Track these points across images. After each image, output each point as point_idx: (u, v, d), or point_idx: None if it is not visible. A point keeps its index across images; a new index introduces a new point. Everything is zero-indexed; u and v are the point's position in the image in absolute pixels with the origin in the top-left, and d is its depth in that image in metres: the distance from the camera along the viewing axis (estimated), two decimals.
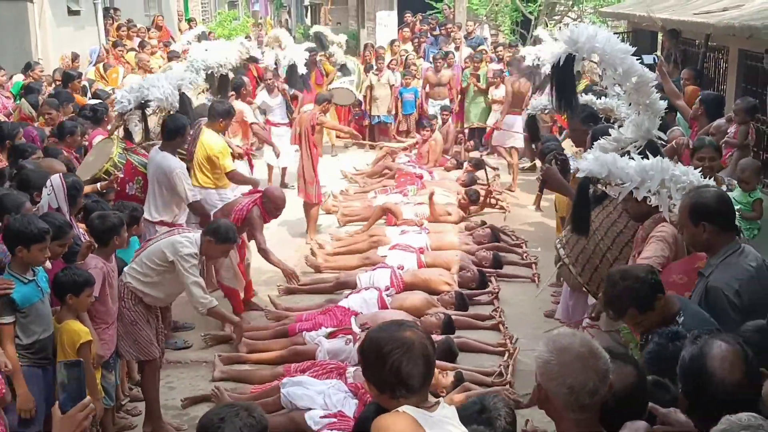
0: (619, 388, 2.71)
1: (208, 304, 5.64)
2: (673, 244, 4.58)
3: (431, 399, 2.64)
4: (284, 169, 12.12)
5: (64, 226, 4.85)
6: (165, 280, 5.53)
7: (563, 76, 5.50)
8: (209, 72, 8.52)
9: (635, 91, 5.40)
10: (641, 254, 4.63)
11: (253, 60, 9.94)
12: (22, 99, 9.08)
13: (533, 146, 9.69)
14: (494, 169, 12.30)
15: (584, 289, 5.61)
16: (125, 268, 5.52)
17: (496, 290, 7.90)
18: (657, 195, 4.70)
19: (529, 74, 10.08)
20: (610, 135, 5.75)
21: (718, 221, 3.90)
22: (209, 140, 7.64)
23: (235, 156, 8.46)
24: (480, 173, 11.45)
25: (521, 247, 9.27)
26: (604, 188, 5.09)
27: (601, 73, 6.00)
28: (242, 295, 7.44)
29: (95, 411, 2.56)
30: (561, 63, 5.43)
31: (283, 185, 11.67)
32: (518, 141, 12.30)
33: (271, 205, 7.21)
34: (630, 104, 5.66)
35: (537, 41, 13.13)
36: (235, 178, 7.86)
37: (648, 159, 4.92)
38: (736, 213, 4.68)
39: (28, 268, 4.56)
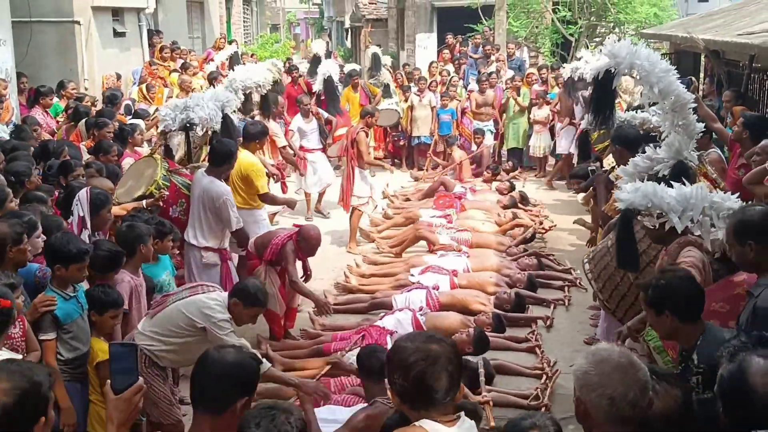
0: (665, 409, 2.68)
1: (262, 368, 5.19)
2: (703, 269, 4.50)
3: (452, 413, 2.61)
4: (321, 195, 11.99)
5: (84, 253, 4.69)
6: (189, 345, 4.94)
7: (602, 90, 5.47)
8: (248, 92, 8.61)
9: (671, 111, 5.34)
10: None
11: (276, 83, 9.83)
12: (83, 121, 9.32)
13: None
14: (535, 206, 12.20)
15: (603, 305, 5.54)
16: (138, 326, 5.09)
17: (547, 319, 7.71)
18: (698, 224, 4.62)
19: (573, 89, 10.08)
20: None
21: (765, 239, 3.80)
22: (246, 159, 7.64)
23: (270, 175, 8.50)
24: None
25: (570, 273, 8.98)
26: (644, 219, 4.96)
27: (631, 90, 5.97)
28: (283, 321, 7.38)
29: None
30: (600, 77, 5.40)
31: (318, 211, 11.71)
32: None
33: (305, 245, 7.15)
34: (666, 123, 5.61)
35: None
36: (268, 198, 7.84)
37: (680, 180, 4.86)
38: None
39: (68, 285, 4.64)
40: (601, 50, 6.33)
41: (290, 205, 8.19)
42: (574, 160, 12.76)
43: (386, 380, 2.78)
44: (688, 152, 5.57)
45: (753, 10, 12.09)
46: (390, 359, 2.67)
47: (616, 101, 7.90)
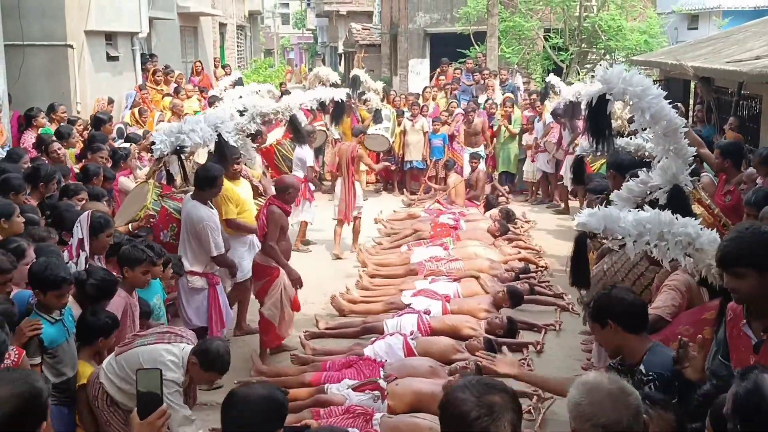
0: None
1: None
2: (686, 292, 4.51)
3: None
4: (304, 224, 11.54)
5: (61, 281, 4.56)
6: None
7: (597, 116, 5.50)
8: (266, 119, 8.68)
9: (663, 136, 5.38)
10: (652, 304, 4.57)
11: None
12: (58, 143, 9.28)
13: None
14: (527, 222, 12.24)
15: None
16: (104, 361, 4.89)
17: (537, 344, 7.69)
18: (656, 248, 4.65)
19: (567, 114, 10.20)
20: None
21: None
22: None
23: (259, 192, 8.46)
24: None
25: (563, 299, 8.98)
26: (604, 241, 5.04)
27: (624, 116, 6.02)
28: (288, 329, 7.39)
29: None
30: (594, 103, 5.44)
31: (305, 242, 11.53)
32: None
33: (284, 194, 7.15)
34: (659, 149, 5.64)
35: (550, 89, 13.41)
36: (233, 224, 7.62)
37: (677, 205, 4.88)
38: None
39: (53, 309, 4.60)
40: (593, 76, 6.40)
41: (252, 231, 7.78)
42: (566, 182, 12.92)
43: None
44: (684, 176, 5.60)
45: (741, 38, 12.23)
46: (447, 411, 2.44)
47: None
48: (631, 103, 5.47)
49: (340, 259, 10.92)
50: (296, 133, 9.66)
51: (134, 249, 5.43)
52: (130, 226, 6.76)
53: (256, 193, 8.38)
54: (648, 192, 5.47)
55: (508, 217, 11.61)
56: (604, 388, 2.55)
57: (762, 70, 8.17)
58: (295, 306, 7.46)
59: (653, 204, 5.30)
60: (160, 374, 2.65)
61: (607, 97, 5.42)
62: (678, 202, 5.28)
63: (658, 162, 5.59)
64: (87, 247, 5.41)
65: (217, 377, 4.93)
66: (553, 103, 12.97)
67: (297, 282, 7.22)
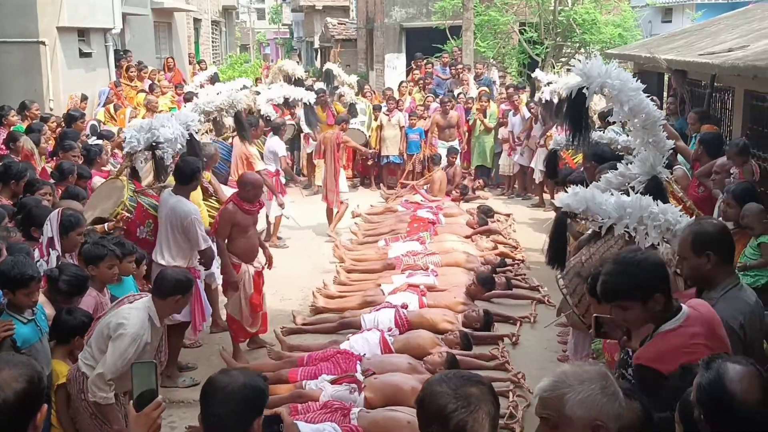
0: (627, 423, 2.67)
1: (105, 399, 4.70)
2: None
3: None
4: (278, 220, 11.42)
5: (28, 279, 4.48)
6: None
7: (575, 109, 5.52)
8: (216, 113, 8.58)
9: (642, 128, 5.42)
10: None
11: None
12: (24, 136, 9.16)
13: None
14: (507, 215, 12.26)
15: (579, 320, 5.58)
16: (79, 356, 4.88)
17: (513, 336, 7.72)
18: (635, 231, 4.73)
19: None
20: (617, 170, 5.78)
21: (721, 251, 3.81)
22: None
23: (209, 193, 8.42)
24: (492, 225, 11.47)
25: (539, 291, 9.06)
26: (584, 222, 5.15)
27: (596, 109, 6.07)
28: (248, 327, 7.39)
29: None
30: (573, 96, 5.46)
31: (272, 236, 11.31)
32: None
33: (243, 191, 7.11)
34: (637, 141, 5.69)
35: (535, 84, 13.38)
36: None
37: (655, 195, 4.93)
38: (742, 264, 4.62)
39: (24, 309, 4.55)
40: (567, 71, 6.44)
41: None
42: (535, 175, 13.03)
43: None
44: (662, 167, 5.65)
45: (713, 30, 12.33)
46: (424, 406, 2.43)
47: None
48: (610, 96, 5.52)
49: (331, 238, 11.37)
50: (240, 128, 9.59)
51: (95, 246, 5.41)
52: (106, 226, 6.70)
53: (206, 194, 8.31)
54: (627, 183, 5.52)
55: (487, 213, 11.61)
56: (591, 377, 2.51)
57: (734, 62, 8.23)
58: (255, 306, 7.41)
59: (656, 195, 5.35)
60: (155, 367, 2.67)
61: (584, 90, 5.45)
62: (656, 192, 5.32)
63: (637, 154, 5.64)
64: (57, 246, 5.36)
65: (178, 299, 4.99)
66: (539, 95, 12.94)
67: (233, 286, 7.16)
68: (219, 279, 7.72)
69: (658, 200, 5.19)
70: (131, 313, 4.79)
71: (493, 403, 2.40)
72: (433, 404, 2.39)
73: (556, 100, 10.29)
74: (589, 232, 5.38)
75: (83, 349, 4.85)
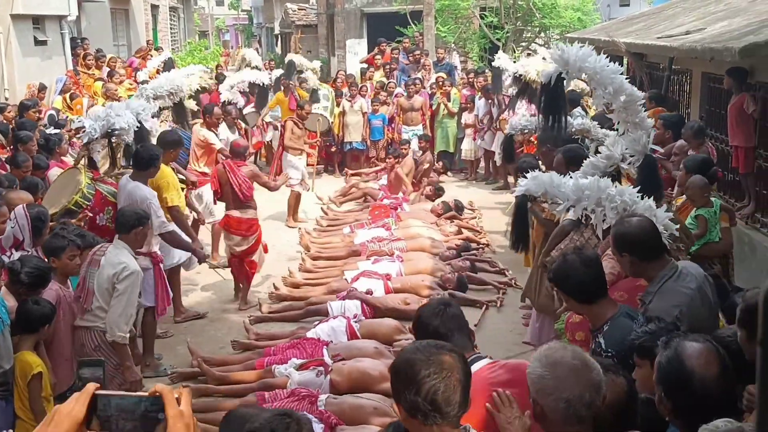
0: (612, 400, 2.73)
1: (123, 339, 5.29)
2: None
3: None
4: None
5: None
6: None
7: (553, 95, 5.55)
8: (165, 99, 8.54)
9: (624, 109, 5.48)
10: None
11: (204, 90, 10.26)
12: None
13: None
14: (473, 210, 12.28)
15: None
16: (87, 316, 5.31)
17: (476, 323, 7.70)
18: (593, 213, 4.81)
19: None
20: (582, 156, 5.84)
21: (639, 251, 3.91)
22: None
23: (189, 184, 8.36)
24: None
25: (504, 275, 9.11)
26: (545, 206, 5.25)
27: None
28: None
29: None
30: (552, 82, 5.48)
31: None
32: None
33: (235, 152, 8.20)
34: (619, 122, 5.74)
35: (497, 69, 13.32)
36: (173, 213, 7.40)
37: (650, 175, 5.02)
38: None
39: None
40: (527, 55, 6.48)
41: (201, 221, 8.74)
42: (496, 158, 13.11)
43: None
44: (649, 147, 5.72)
45: (671, 14, 12.48)
46: (398, 372, 2.49)
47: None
48: (589, 80, 5.56)
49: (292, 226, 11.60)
50: (180, 115, 9.52)
51: (54, 237, 5.33)
52: (74, 221, 6.61)
53: (188, 183, 8.31)
54: (611, 165, 5.58)
55: (458, 209, 11.62)
56: (568, 363, 2.56)
57: (692, 45, 8.35)
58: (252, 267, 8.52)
59: (614, 177, 5.42)
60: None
61: (563, 75, 5.48)
62: (650, 171, 5.43)
63: (622, 134, 5.67)
64: (30, 246, 5.30)
65: (139, 230, 5.60)
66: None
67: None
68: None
69: (652, 180, 5.35)
70: (117, 256, 5.34)
71: (465, 372, 2.46)
72: (407, 371, 2.44)
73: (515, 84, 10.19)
74: (569, 217, 5.40)
75: (84, 314, 5.27)
